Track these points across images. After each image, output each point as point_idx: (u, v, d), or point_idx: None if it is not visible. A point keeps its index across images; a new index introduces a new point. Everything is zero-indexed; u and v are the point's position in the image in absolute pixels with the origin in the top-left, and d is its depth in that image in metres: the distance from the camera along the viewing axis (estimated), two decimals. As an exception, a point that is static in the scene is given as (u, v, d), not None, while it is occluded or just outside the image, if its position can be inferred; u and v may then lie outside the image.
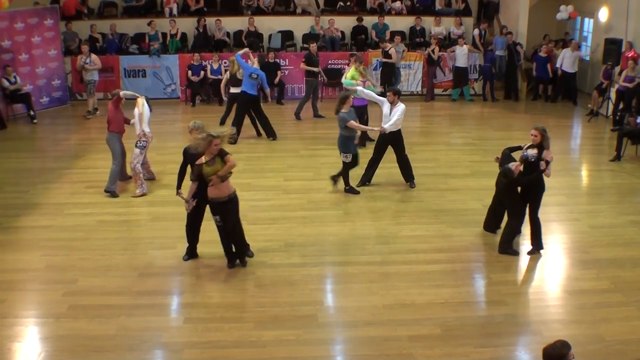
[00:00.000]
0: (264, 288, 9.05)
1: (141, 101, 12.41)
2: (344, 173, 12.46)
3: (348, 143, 12.20)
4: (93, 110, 18.50)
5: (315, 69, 18.24)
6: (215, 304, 8.63)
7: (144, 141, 12.32)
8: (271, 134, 16.14)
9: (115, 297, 8.77)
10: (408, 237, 10.71)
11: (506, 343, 7.88)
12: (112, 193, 12.33)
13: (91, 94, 18.65)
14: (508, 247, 10.11)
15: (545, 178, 9.80)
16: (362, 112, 14.65)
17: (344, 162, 12.35)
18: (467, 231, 10.91)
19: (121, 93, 12.37)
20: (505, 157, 10.01)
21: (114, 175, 12.42)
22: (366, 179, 12.85)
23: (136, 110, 12.30)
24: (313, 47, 18.73)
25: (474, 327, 8.15)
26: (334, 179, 12.59)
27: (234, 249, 9.59)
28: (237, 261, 9.62)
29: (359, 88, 13.44)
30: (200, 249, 9.86)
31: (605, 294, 8.96)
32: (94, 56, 18.66)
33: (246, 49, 16.49)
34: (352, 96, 12.59)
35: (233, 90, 16.16)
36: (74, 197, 12.40)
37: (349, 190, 12.49)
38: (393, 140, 12.57)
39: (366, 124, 14.35)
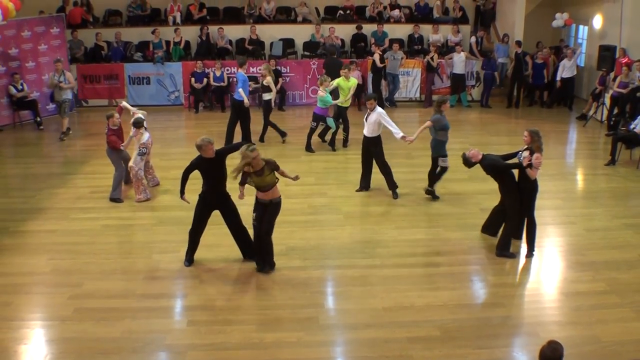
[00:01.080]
0: (265, 291, 9.18)
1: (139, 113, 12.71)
2: (439, 178, 12.59)
3: (443, 147, 12.32)
4: (67, 131, 17.33)
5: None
6: (218, 307, 8.75)
7: (143, 148, 12.47)
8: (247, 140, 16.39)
9: (119, 300, 8.89)
10: (407, 241, 10.84)
11: (504, 344, 8.01)
12: (116, 200, 12.49)
13: (65, 113, 17.33)
14: (505, 250, 10.26)
15: (540, 180, 10.03)
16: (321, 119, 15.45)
17: (441, 167, 12.46)
18: (465, 235, 11.04)
19: (122, 104, 12.48)
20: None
21: (116, 182, 12.57)
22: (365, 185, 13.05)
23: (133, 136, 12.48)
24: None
25: (472, 329, 8.25)
26: (430, 191, 12.65)
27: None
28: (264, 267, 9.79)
29: None
30: (203, 252, 9.97)
31: (601, 295, 9.07)
32: (68, 74, 17.73)
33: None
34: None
35: (266, 96, 16.50)
36: (79, 202, 12.55)
37: (431, 192, 12.63)
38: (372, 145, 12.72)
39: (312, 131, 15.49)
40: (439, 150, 12.31)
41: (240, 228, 9.91)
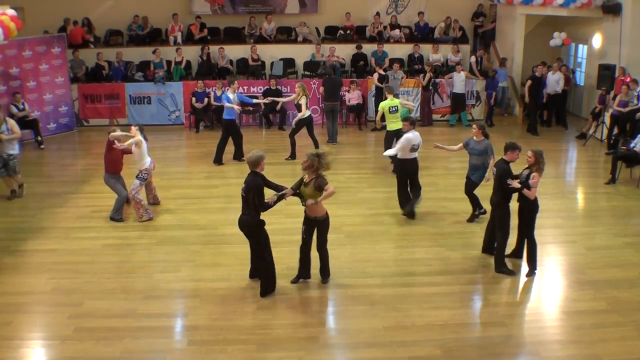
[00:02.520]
0: (266, 310, 9.16)
1: (136, 133, 12.55)
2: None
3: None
4: (19, 189, 14.08)
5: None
6: (218, 326, 8.73)
7: (145, 174, 12.49)
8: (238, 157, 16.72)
9: (120, 319, 8.87)
10: (408, 260, 10.86)
11: (505, 364, 7.98)
12: (116, 220, 12.50)
13: (14, 172, 13.94)
14: (502, 266, 10.29)
15: (540, 199, 10.09)
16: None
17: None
18: (465, 254, 11.05)
19: (110, 136, 12.38)
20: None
21: (119, 204, 12.56)
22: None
23: (135, 150, 12.40)
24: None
25: (473, 348, 8.26)
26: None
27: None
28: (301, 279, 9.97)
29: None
30: (203, 272, 10.00)
31: (602, 314, 9.07)
32: (11, 122, 14.29)
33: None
34: None
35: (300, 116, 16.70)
36: (80, 221, 12.56)
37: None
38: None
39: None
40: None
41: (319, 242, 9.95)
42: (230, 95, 16.41)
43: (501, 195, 10.14)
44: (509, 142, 10.34)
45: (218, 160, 16.34)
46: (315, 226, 9.64)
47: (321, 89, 19.71)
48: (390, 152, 12.80)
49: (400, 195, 12.74)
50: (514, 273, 10.27)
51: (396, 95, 16.41)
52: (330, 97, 18.74)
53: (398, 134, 14.11)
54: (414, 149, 12.32)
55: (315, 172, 9.36)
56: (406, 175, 12.60)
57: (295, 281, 9.91)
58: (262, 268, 9.59)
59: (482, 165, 12.10)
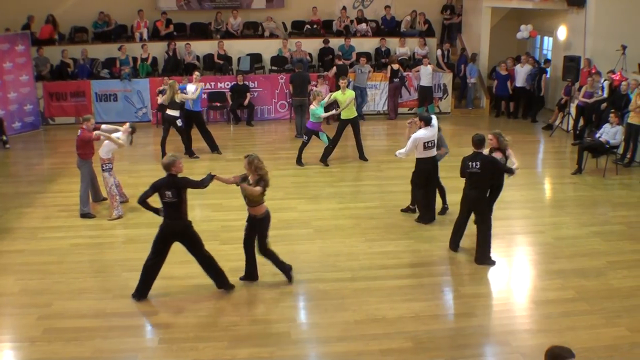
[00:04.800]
0: (237, 307, 9.16)
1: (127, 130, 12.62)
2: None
3: None
4: None
5: None
6: (189, 324, 8.71)
7: (108, 164, 12.43)
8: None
9: (90, 319, 8.81)
10: (378, 253, 10.89)
11: (476, 354, 8.09)
12: (87, 215, 12.43)
13: None
14: (486, 258, 10.39)
15: (508, 190, 10.59)
16: (314, 133, 15.57)
17: None
18: (435, 246, 11.13)
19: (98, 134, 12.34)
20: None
21: (84, 196, 12.52)
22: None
23: (108, 143, 12.36)
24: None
25: (444, 340, 8.33)
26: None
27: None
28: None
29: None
30: (174, 269, 9.90)
31: (571, 303, 9.20)
32: None
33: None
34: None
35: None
36: (48, 221, 12.42)
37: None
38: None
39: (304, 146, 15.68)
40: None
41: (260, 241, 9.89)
42: (190, 87, 16.45)
43: (484, 188, 10.29)
44: (476, 137, 10.36)
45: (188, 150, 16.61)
46: (255, 224, 9.63)
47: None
48: (401, 152, 12.11)
49: (424, 198, 12.23)
50: (495, 263, 10.39)
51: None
52: (298, 92, 18.73)
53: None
54: (427, 146, 11.84)
55: (256, 172, 9.40)
56: (422, 175, 12.07)
57: (243, 278, 9.88)
58: (210, 263, 9.54)
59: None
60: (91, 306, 9.16)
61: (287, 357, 8.01)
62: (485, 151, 10.53)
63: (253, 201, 9.47)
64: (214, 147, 16.95)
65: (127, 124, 12.75)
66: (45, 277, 10.05)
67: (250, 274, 9.88)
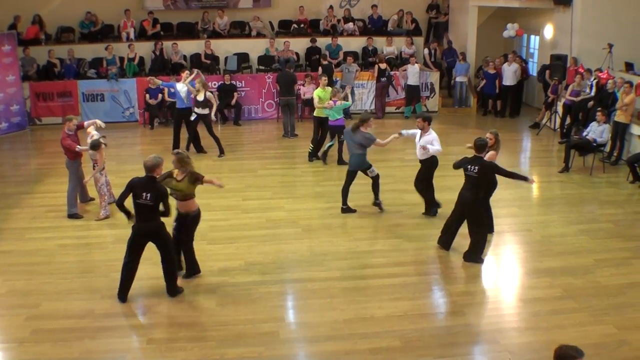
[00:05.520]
0: (225, 306, 9.15)
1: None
2: (378, 185, 12.58)
3: (365, 159, 12.33)
4: None
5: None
6: (177, 324, 8.71)
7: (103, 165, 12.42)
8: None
9: (78, 320, 8.78)
10: (365, 252, 10.92)
11: (464, 352, 8.12)
12: (74, 216, 12.40)
13: None
14: (476, 257, 10.42)
15: (497, 189, 10.72)
16: (338, 132, 15.29)
17: (374, 177, 12.46)
18: (422, 245, 11.16)
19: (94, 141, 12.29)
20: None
21: (71, 197, 12.49)
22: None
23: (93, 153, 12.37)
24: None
25: (432, 338, 8.34)
26: (378, 203, 12.72)
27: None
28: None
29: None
30: (161, 269, 9.85)
31: (558, 301, 9.24)
32: None
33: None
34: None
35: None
36: (35, 221, 12.38)
37: (378, 204, 12.72)
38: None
39: (341, 144, 15.20)
40: (367, 162, 12.41)
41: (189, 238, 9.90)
42: (179, 86, 16.47)
43: (479, 191, 10.29)
44: (479, 142, 10.26)
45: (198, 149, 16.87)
46: (187, 223, 9.66)
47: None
48: (436, 149, 11.97)
49: (427, 193, 12.44)
50: (483, 261, 10.44)
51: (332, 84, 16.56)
52: (284, 91, 18.74)
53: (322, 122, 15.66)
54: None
55: (185, 167, 9.44)
56: (431, 172, 12.24)
57: (185, 276, 9.95)
58: (172, 270, 9.48)
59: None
60: (79, 307, 9.13)
61: (276, 356, 8.01)
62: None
63: (187, 194, 9.49)
64: (199, 148, 17.01)
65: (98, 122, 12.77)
66: (32, 278, 10.01)
67: (193, 267, 10.01)
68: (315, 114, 16.19)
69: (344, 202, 12.59)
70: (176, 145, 16.49)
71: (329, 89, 16.17)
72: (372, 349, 8.08)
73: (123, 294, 9.30)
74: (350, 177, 12.50)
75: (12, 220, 12.47)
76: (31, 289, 9.68)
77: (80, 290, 9.65)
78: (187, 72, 17.13)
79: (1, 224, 12.30)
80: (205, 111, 16.40)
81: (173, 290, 9.45)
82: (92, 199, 13.01)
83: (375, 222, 12.26)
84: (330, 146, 15.82)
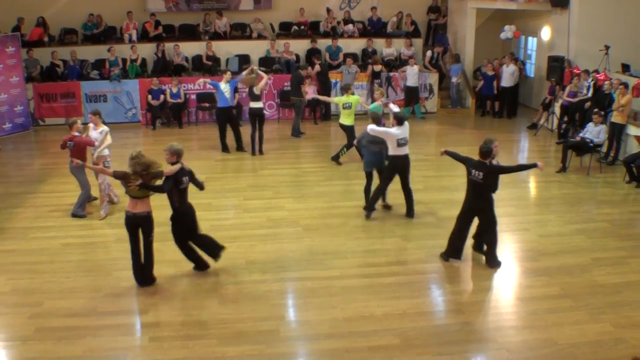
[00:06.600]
0: (226, 305, 9.23)
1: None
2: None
3: (382, 158, 12.40)
4: None
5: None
6: (179, 322, 8.78)
7: (109, 162, 12.61)
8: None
9: (81, 318, 8.86)
10: (365, 251, 10.99)
11: (463, 350, 8.16)
12: (78, 216, 12.48)
13: None
14: (495, 260, 10.38)
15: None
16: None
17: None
18: (422, 244, 11.23)
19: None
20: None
21: (81, 200, 12.57)
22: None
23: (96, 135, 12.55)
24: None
25: (431, 336, 8.41)
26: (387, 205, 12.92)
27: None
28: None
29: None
30: (164, 268, 10.00)
31: (556, 299, 9.32)
32: None
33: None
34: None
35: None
36: (38, 221, 12.46)
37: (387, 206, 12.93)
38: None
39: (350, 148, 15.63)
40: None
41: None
42: (222, 85, 16.70)
43: (488, 196, 10.18)
44: (484, 148, 10.04)
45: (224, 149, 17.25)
46: (137, 225, 9.61)
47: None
48: (372, 128, 12.10)
49: (375, 192, 12.49)
50: (501, 264, 10.40)
51: (353, 93, 16.53)
52: (295, 91, 18.91)
53: (347, 128, 15.74)
54: (400, 144, 11.93)
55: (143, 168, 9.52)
56: (394, 172, 12.23)
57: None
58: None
59: None
60: (82, 305, 9.21)
61: (276, 354, 8.07)
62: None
63: (144, 195, 9.56)
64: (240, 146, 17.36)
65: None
66: (36, 277, 10.08)
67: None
68: (340, 121, 16.21)
69: (368, 202, 12.55)
70: (224, 146, 17.08)
71: (353, 97, 16.24)
72: (372, 346, 8.15)
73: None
74: (369, 177, 12.62)
75: (15, 220, 12.56)
76: (35, 287, 9.75)
77: (83, 288, 9.72)
78: (229, 73, 17.32)
79: (5, 223, 12.39)
80: (259, 104, 16.86)
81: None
82: (95, 199, 13.10)
83: (375, 221, 12.33)
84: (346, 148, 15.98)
